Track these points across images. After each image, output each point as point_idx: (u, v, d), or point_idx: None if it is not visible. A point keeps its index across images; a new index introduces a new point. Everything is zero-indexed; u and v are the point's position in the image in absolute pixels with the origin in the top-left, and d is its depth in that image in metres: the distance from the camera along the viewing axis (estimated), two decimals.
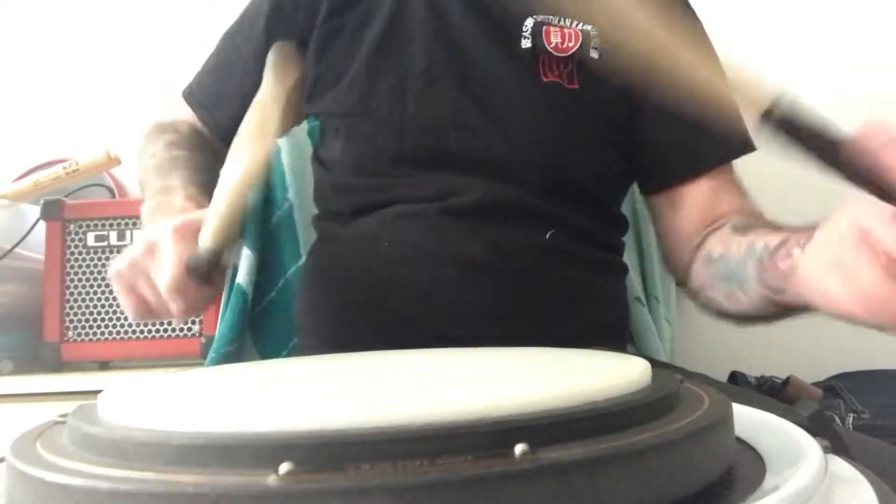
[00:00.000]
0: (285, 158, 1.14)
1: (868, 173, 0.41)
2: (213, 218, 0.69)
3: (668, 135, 0.84)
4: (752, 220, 0.76)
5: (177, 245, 0.67)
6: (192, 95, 0.95)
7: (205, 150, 0.92)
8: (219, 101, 0.93)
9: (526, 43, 0.83)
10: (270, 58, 0.83)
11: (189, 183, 0.82)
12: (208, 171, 0.86)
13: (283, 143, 1.14)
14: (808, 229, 0.56)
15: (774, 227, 0.70)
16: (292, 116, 0.90)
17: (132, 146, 0.96)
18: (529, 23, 0.83)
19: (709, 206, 0.82)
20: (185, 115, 0.96)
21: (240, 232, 0.73)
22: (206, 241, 0.67)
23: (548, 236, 0.81)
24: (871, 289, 0.45)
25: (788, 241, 0.61)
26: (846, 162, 0.42)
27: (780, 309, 0.66)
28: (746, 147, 0.83)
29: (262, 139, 0.75)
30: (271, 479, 0.28)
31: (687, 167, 0.83)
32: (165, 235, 0.68)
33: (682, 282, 0.85)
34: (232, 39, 0.94)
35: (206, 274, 0.67)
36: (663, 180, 0.85)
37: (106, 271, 1.13)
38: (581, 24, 0.84)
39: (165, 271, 0.66)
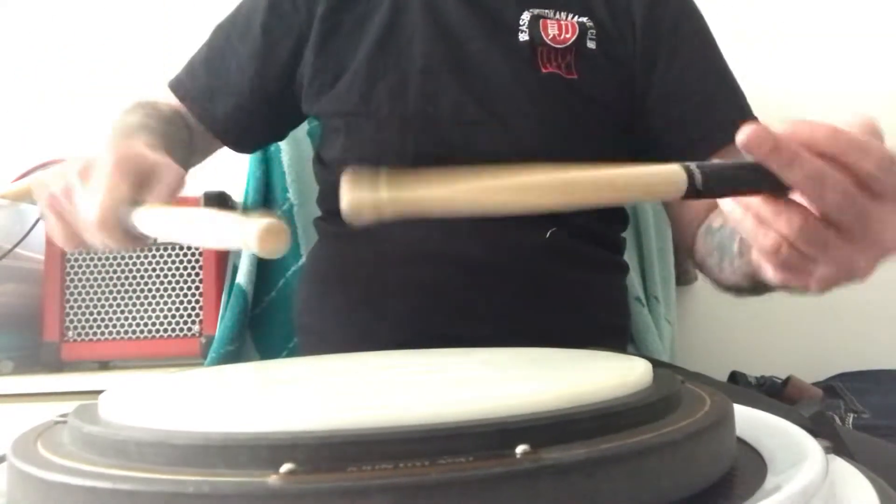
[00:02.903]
0: (285, 158, 1.14)
1: (767, 181, 0.44)
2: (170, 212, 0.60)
3: (671, 121, 0.84)
4: None
5: (113, 179, 0.59)
6: (182, 87, 0.93)
7: (181, 129, 0.89)
8: (212, 94, 0.92)
9: (523, 36, 0.84)
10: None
11: (152, 139, 0.77)
12: (178, 144, 0.83)
13: (283, 143, 1.14)
14: None
15: None
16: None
17: None
18: (526, 16, 0.84)
19: None
20: (172, 101, 0.93)
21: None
22: (148, 220, 0.59)
23: (548, 235, 0.81)
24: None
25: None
26: (753, 180, 0.45)
27: (759, 285, 0.67)
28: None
29: None
30: (272, 479, 0.28)
31: (693, 151, 0.83)
32: (105, 165, 0.60)
33: (691, 254, 0.86)
34: (226, 33, 0.93)
35: (129, 238, 0.60)
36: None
37: (106, 271, 1.13)
38: (577, 16, 0.85)
39: (92, 208, 0.59)
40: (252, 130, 0.95)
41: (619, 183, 0.44)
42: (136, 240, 0.62)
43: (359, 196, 0.41)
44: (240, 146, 0.97)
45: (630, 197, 0.50)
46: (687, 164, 0.44)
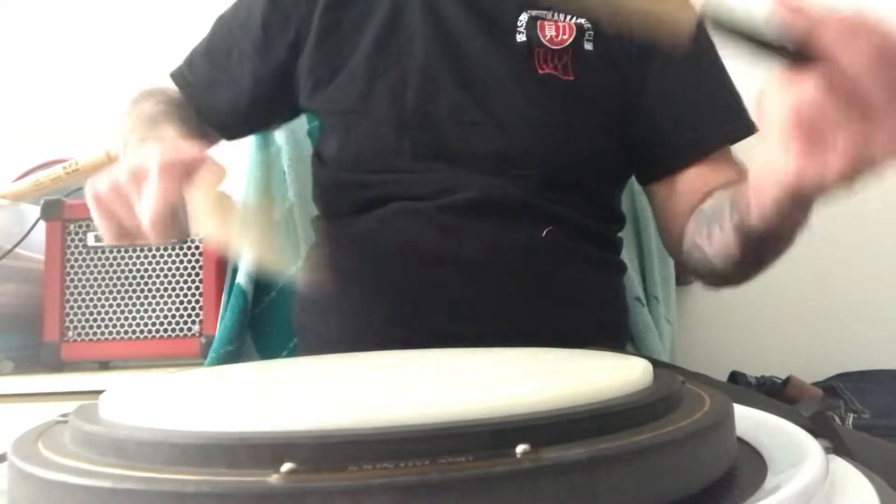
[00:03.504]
0: (285, 158, 1.14)
1: (790, 40, 0.44)
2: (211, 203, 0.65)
3: (667, 122, 0.84)
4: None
5: (162, 183, 0.63)
6: (182, 78, 0.94)
7: (191, 111, 0.91)
8: (211, 85, 0.93)
9: (521, 37, 0.84)
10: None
11: (179, 126, 0.80)
12: (194, 126, 0.85)
13: (283, 143, 1.14)
14: None
15: None
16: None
17: None
18: (524, 17, 0.85)
19: (704, 183, 0.82)
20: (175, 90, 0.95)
21: None
22: (195, 219, 0.65)
23: (544, 234, 0.81)
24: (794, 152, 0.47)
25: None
26: (776, 42, 0.45)
27: (750, 238, 0.67)
28: (748, 130, 0.83)
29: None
30: (272, 479, 0.28)
31: (687, 154, 0.84)
32: (153, 167, 0.64)
33: (678, 253, 0.85)
34: (227, 25, 0.93)
35: (180, 236, 0.66)
36: (663, 168, 0.85)
37: (106, 271, 1.13)
38: (575, 18, 0.85)
39: (148, 211, 0.63)
40: (247, 122, 0.96)
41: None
42: (186, 233, 0.66)
43: None
44: (232, 136, 0.98)
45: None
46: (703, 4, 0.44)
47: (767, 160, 0.51)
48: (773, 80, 0.46)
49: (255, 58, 0.90)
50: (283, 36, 0.89)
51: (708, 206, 0.77)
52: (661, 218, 0.89)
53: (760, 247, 0.68)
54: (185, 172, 0.64)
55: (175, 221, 0.64)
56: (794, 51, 0.44)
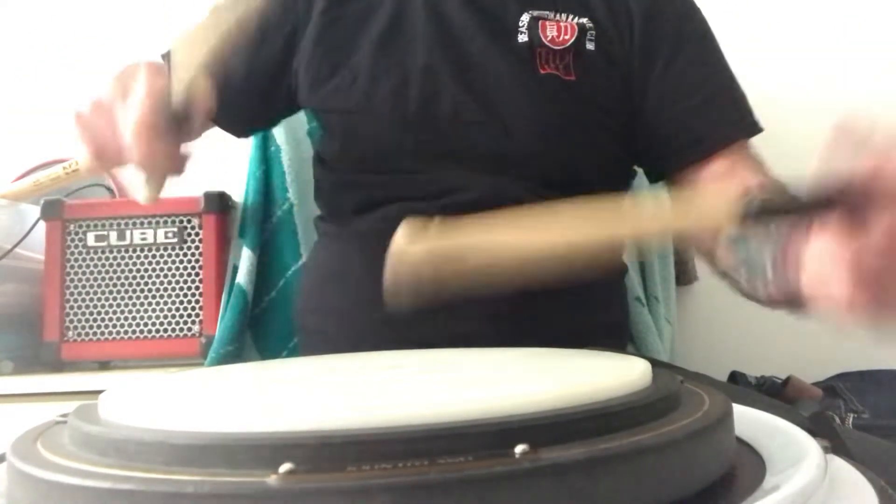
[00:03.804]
0: (285, 158, 1.14)
1: (846, 201, 0.42)
2: (184, 65, 0.63)
3: (669, 122, 0.84)
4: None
5: (149, 77, 0.61)
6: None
7: None
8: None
9: (522, 37, 0.84)
10: None
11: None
12: None
13: (283, 143, 1.14)
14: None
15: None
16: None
17: None
18: (525, 17, 0.84)
19: (734, 178, 0.79)
20: None
21: (208, 86, 0.65)
22: (179, 79, 0.62)
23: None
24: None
25: (797, 231, 0.61)
26: (824, 205, 0.43)
27: (799, 304, 0.65)
28: (750, 129, 0.83)
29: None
30: (271, 479, 0.28)
31: (695, 150, 0.83)
32: (140, 70, 0.62)
33: (710, 262, 0.82)
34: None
35: (180, 115, 0.62)
36: (671, 165, 0.85)
37: (106, 271, 1.13)
38: (576, 18, 0.85)
39: (137, 104, 0.60)
40: (244, 114, 0.95)
41: (666, 219, 0.44)
42: (173, 151, 0.62)
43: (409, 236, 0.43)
44: (232, 129, 0.97)
45: (677, 229, 0.49)
46: (741, 201, 0.43)
47: (828, 286, 0.49)
48: (825, 237, 0.45)
49: (250, 49, 0.90)
50: (280, 28, 0.89)
51: (741, 240, 0.74)
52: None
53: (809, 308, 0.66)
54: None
55: (159, 141, 0.61)
56: (852, 203, 0.43)
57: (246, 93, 0.91)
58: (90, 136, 0.64)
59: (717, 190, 0.44)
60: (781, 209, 0.44)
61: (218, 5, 0.65)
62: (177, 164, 0.66)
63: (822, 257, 0.48)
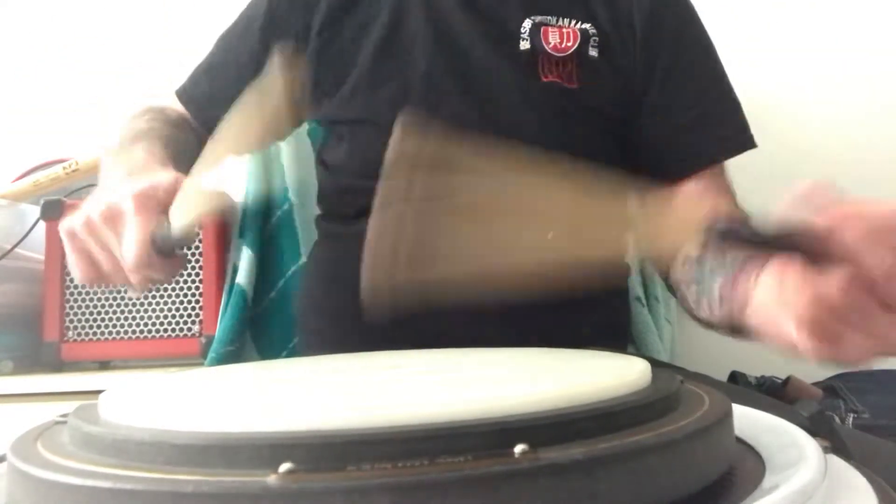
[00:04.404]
0: (285, 158, 1.14)
1: (810, 244, 0.43)
2: (193, 196, 0.65)
3: (668, 132, 0.84)
4: None
5: (139, 217, 0.63)
6: (186, 93, 0.94)
7: (188, 133, 0.90)
8: (211, 100, 0.92)
9: (525, 44, 0.83)
10: (276, 61, 0.80)
11: (156, 147, 0.79)
12: (183, 147, 0.84)
13: (283, 143, 1.14)
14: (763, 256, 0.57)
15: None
16: (290, 118, 0.87)
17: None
18: (527, 24, 0.84)
19: (698, 200, 0.81)
20: (178, 106, 0.95)
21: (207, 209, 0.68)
22: (179, 218, 0.64)
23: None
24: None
25: (748, 264, 0.60)
26: (789, 242, 0.44)
27: (738, 331, 0.66)
28: (746, 145, 0.83)
29: (250, 129, 0.71)
30: (271, 479, 0.28)
31: (688, 164, 0.83)
32: (127, 203, 0.63)
33: (663, 277, 0.84)
34: (227, 40, 0.94)
35: (172, 250, 0.64)
36: (660, 179, 0.85)
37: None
38: (579, 24, 0.84)
39: (130, 247, 0.62)
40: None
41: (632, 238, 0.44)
42: (172, 269, 0.66)
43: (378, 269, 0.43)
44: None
45: (643, 249, 0.50)
46: (707, 226, 0.44)
47: (779, 325, 0.50)
48: (791, 273, 0.46)
49: (252, 70, 0.89)
50: (280, 47, 0.89)
51: (695, 258, 0.73)
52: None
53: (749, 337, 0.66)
54: (156, 203, 0.64)
55: (159, 248, 0.63)
56: (810, 249, 0.44)
57: None
58: (84, 257, 0.66)
59: (684, 209, 0.45)
60: (743, 239, 0.44)
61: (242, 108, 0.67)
62: (173, 276, 0.70)
63: (775, 297, 0.48)
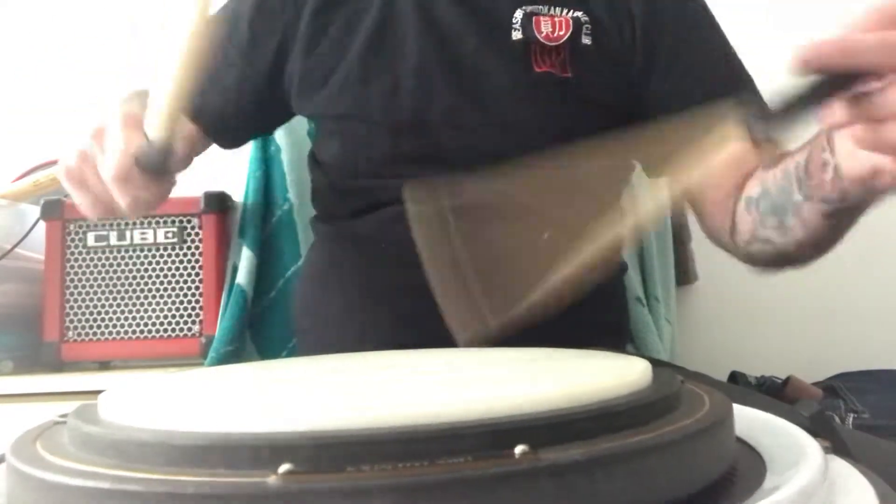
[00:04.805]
0: (285, 158, 1.15)
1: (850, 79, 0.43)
2: (160, 108, 0.65)
3: (672, 112, 0.83)
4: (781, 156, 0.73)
5: (124, 131, 0.63)
6: None
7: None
8: (201, 91, 0.92)
9: (516, 34, 0.82)
10: None
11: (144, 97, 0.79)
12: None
13: (283, 143, 1.14)
14: (820, 136, 0.58)
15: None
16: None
17: None
18: (519, 14, 0.83)
19: (734, 168, 0.78)
20: None
21: (182, 123, 0.68)
22: (153, 131, 0.64)
23: (545, 236, 0.80)
24: None
25: (813, 152, 0.61)
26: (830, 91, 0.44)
27: (837, 218, 0.64)
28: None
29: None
30: (271, 480, 0.28)
31: None
32: (113, 121, 0.64)
33: (728, 244, 0.81)
34: (215, 32, 0.93)
35: (155, 165, 0.64)
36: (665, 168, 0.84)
37: (106, 271, 1.13)
38: (571, 12, 0.83)
39: (111, 159, 0.63)
40: (240, 127, 0.95)
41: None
42: (160, 192, 0.65)
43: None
44: (227, 142, 0.96)
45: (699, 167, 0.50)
46: (744, 114, 0.44)
47: (865, 166, 0.50)
48: (840, 114, 0.45)
49: (241, 64, 0.89)
50: (269, 41, 0.88)
51: (757, 193, 0.73)
52: (696, 206, 0.85)
53: (850, 221, 0.65)
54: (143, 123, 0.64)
55: (142, 179, 0.64)
56: (842, 85, 0.43)
57: (240, 105, 0.91)
58: (82, 188, 0.67)
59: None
60: (776, 111, 0.44)
61: (180, 39, 0.66)
62: (162, 198, 0.69)
63: (845, 143, 0.48)
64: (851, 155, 0.50)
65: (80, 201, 0.67)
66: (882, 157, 0.47)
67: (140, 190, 0.65)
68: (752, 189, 0.74)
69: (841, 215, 0.63)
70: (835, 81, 0.43)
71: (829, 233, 0.67)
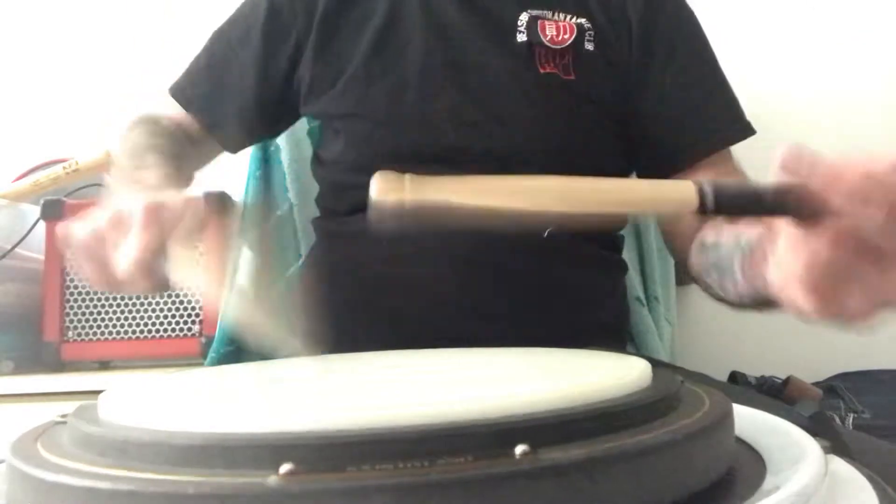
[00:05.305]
0: (285, 158, 1.14)
1: (800, 205, 0.43)
2: (186, 265, 0.65)
3: (665, 124, 0.84)
4: None
5: (145, 230, 0.63)
6: (184, 95, 0.93)
7: (183, 143, 0.90)
8: (213, 100, 0.92)
9: (521, 37, 0.84)
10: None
11: (163, 164, 0.80)
12: (183, 160, 0.86)
13: (283, 143, 1.14)
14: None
15: None
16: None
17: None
18: (524, 17, 0.84)
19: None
20: (170, 110, 0.93)
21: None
22: (172, 273, 0.65)
23: (545, 234, 0.81)
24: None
25: (764, 240, 0.61)
26: (780, 204, 0.44)
27: (768, 304, 0.65)
28: (744, 132, 0.83)
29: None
30: (271, 480, 0.28)
31: (685, 155, 0.83)
32: (136, 214, 0.64)
33: (683, 267, 0.83)
34: (226, 39, 0.93)
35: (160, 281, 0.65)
36: (662, 170, 0.85)
37: None
38: (575, 18, 0.84)
39: (126, 261, 0.63)
40: (253, 133, 0.96)
41: (628, 195, 0.45)
42: (166, 285, 0.66)
43: (385, 190, 0.45)
44: (237, 148, 0.98)
45: (638, 208, 0.50)
46: (700, 183, 0.43)
47: (786, 290, 0.50)
48: (785, 237, 0.46)
49: (256, 71, 0.90)
50: (283, 46, 0.89)
51: (710, 242, 0.74)
52: (664, 231, 0.89)
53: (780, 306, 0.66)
54: (163, 221, 0.64)
55: (155, 273, 0.64)
56: (801, 210, 0.43)
57: (255, 115, 0.91)
58: (91, 261, 0.66)
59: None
60: (737, 196, 0.44)
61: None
62: (168, 290, 0.70)
63: (782, 261, 0.48)
64: (782, 264, 0.49)
65: (89, 273, 0.67)
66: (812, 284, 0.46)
67: (139, 286, 0.65)
68: (708, 236, 0.75)
69: (771, 306, 0.64)
70: (798, 208, 0.43)
71: (761, 307, 0.67)
